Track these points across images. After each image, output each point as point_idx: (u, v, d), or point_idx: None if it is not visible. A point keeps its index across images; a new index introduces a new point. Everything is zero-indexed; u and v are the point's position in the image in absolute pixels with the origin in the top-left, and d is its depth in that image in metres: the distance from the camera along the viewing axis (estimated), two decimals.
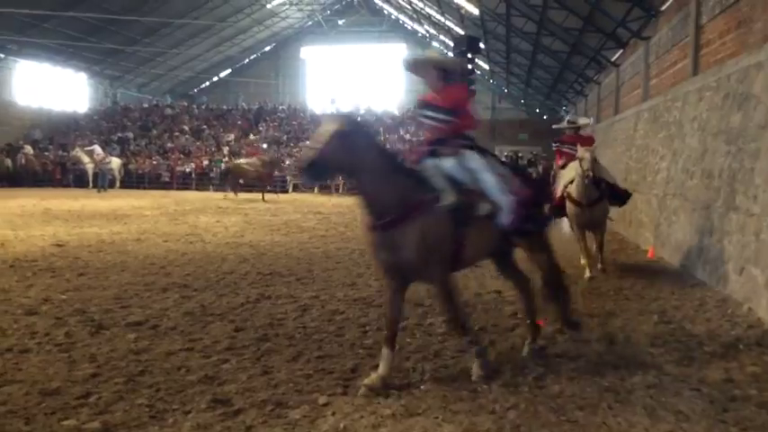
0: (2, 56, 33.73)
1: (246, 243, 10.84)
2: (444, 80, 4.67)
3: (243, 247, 10.41)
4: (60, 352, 4.58)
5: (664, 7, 13.18)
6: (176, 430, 3.34)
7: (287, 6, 41.41)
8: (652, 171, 11.93)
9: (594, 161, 7.92)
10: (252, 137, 35.04)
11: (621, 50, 17.55)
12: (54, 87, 37.49)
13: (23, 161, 29.77)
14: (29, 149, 30.62)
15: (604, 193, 8.28)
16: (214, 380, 4.10)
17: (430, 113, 4.57)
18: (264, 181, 23.42)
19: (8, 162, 29.68)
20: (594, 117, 22.44)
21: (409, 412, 3.62)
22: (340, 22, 43.56)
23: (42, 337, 4.93)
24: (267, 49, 47.23)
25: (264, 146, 32.32)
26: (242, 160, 24.56)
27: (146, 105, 41.37)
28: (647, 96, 14.28)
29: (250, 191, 23.63)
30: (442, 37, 37.42)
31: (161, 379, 4.08)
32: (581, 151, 8.02)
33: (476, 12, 23.02)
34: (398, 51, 45.01)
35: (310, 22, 45.18)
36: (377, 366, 4.38)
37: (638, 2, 13.72)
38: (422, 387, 4.01)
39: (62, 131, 36.23)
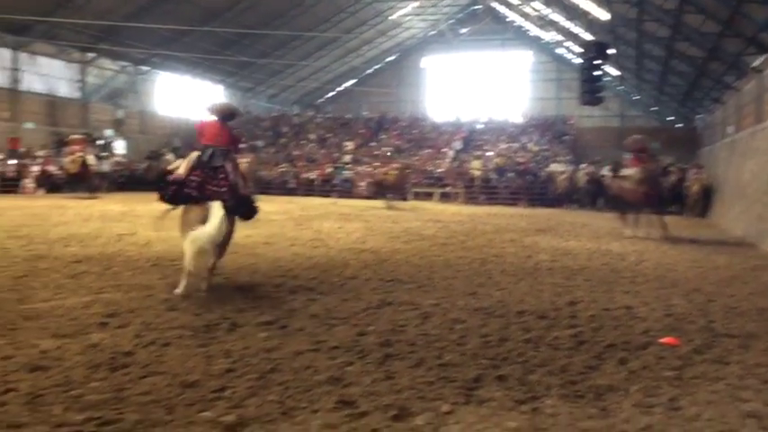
0: (147, 68, 36.34)
1: (368, 249, 11.02)
2: None
3: (365, 253, 10.60)
4: (198, 347, 4.85)
5: None
6: (305, 428, 3.44)
7: (410, 17, 41.92)
8: None
9: None
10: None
11: (765, 56, 16.40)
12: (193, 98, 39.92)
13: (165, 167, 31.83)
14: (170, 156, 32.73)
15: None
16: (339, 381, 4.19)
17: None
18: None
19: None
20: (734, 126, 21.10)
21: (535, 427, 3.54)
22: (462, 31, 43.50)
23: (182, 332, 5.24)
24: (390, 59, 48.01)
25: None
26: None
27: (275, 114, 43.16)
28: None
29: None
30: (568, 43, 36.51)
31: (290, 377, 4.23)
32: None
33: (605, 17, 22.32)
34: (524, 58, 44.46)
35: (433, 32, 45.47)
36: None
37: None
38: (548, 402, 3.92)
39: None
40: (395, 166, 23.85)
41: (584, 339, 5.39)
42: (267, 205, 21.36)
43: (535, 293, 7.44)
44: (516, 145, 33.66)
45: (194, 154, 7.05)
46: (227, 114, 7.41)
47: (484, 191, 29.17)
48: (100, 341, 4.91)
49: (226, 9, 31.83)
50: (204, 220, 6.50)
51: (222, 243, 6.75)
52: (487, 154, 32.29)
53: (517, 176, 29.14)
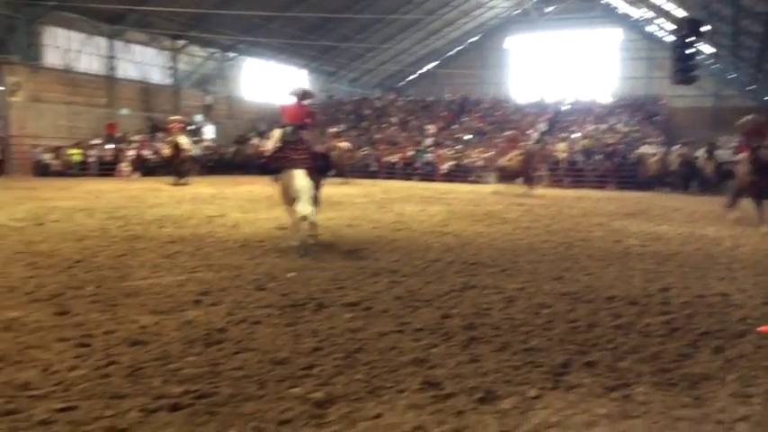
0: (234, 54, 37.29)
1: (450, 232, 10.99)
2: None
3: (447, 236, 10.57)
4: (286, 325, 4.98)
5: None
6: (392, 407, 3.48)
7: None
8: None
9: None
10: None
11: None
12: (277, 83, 40.71)
13: (250, 151, 32.68)
14: (256, 141, 33.55)
15: None
16: (424, 363, 4.22)
17: None
18: None
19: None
20: None
21: (626, 414, 3.46)
22: (548, 10, 42.43)
23: (271, 311, 5.39)
24: (473, 40, 47.42)
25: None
26: None
27: (356, 98, 43.46)
28: None
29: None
30: (660, 20, 35.05)
31: (375, 357, 4.29)
32: None
33: None
34: (612, 36, 43.01)
35: (517, 11, 44.57)
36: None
37: None
38: (639, 389, 3.81)
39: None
40: (517, 151, 22.43)
41: (676, 326, 5.21)
42: (350, 189, 21.64)
43: (625, 279, 7.24)
44: (604, 126, 32.65)
45: (277, 132, 9.05)
46: (302, 96, 9.30)
47: (569, 174, 28.49)
48: (194, 318, 5.12)
49: None
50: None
51: (315, 195, 8.66)
52: (573, 136, 31.48)
53: (605, 159, 28.28)
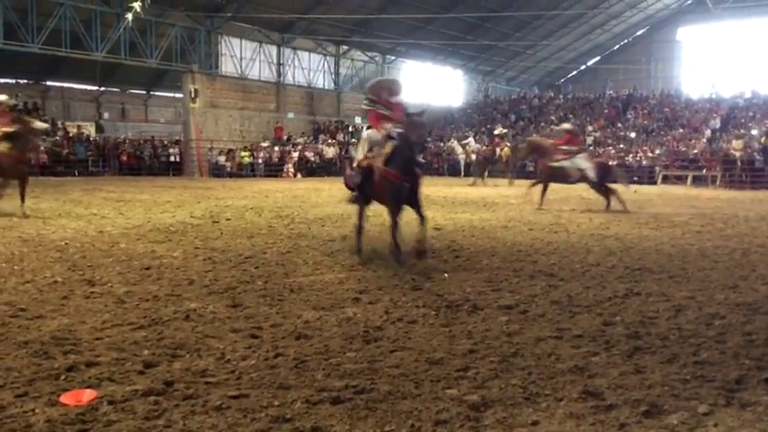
0: (393, 58, 38.13)
1: (612, 235, 10.53)
2: None
3: (608, 239, 10.14)
4: (442, 326, 5.03)
5: None
6: (549, 415, 3.41)
7: None
8: None
9: None
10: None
11: None
12: (434, 84, 41.07)
13: None
14: None
15: None
16: (584, 371, 4.08)
17: None
18: None
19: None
20: None
21: None
22: None
23: (426, 311, 5.47)
24: (639, 33, 45.08)
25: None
26: None
27: (514, 97, 42.81)
28: None
29: None
30: None
31: (532, 363, 4.21)
32: None
33: None
34: None
35: (689, 1, 41.75)
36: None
37: None
38: None
39: (439, 124, 39.53)
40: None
41: None
42: (505, 189, 21.38)
43: None
44: None
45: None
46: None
47: (746, 174, 26.23)
48: (354, 315, 5.31)
49: None
50: None
51: None
52: (752, 132, 28.95)
53: None
